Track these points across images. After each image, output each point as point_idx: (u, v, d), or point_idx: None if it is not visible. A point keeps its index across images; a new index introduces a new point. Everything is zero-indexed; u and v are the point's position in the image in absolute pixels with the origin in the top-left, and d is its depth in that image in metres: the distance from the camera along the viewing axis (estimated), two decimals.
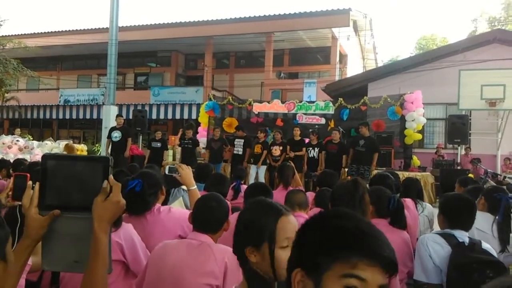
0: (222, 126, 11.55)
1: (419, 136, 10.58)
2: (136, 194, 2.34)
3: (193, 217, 2.05)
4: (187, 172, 2.78)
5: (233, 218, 2.67)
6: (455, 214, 2.28)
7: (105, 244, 0.98)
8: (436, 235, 2.26)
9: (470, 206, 2.31)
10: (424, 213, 3.74)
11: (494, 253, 2.18)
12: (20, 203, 1.84)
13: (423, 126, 10.74)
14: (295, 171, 4.52)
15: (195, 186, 2.79)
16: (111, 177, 0.99)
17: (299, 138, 9.23)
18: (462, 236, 2.20)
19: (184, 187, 3.05)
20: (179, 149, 10.23)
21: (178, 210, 2.63)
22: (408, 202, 3.59)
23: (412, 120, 10.17)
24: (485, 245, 2.17)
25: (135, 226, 2.17)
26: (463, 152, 11.21)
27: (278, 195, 3.51)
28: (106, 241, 0.98)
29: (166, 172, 2.89)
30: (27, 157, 8.72)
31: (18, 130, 13.34)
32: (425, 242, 2.24)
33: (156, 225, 2.39)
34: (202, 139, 11.13)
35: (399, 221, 2.54)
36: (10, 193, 2.05)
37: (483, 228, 2.63)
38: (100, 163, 0.99)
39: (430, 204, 5.69)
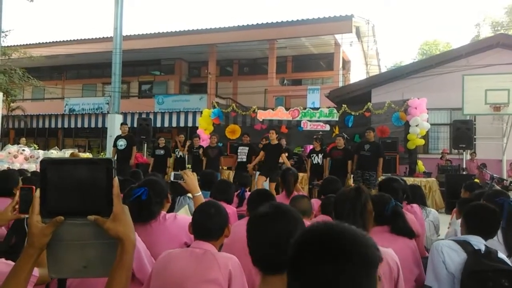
0: (225, 133, 11.55)
1: (422, 142, 10.52)
2: (142, 202, 2.32)
3: (193, 226, 2.04)
4: (192, 178, 2.78)
5: (238, 225, 2.67)
6: (478, 224, 2.25)
7: (131, 255, 0.97)
8: (452, 242, 2.22)
9: (494, 215, 2.28)
10: (429, 219, 3.73)
11: (510, 263, 2.15)
12: (27, 215, 1.85)
13: (427, 132, 10.70)
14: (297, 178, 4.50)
15: (200, 193, 2.79)
16: (115, 180, 0.95)
17: (276, 142, 8.22)
18: (479, 243, 2.16)
19: (189, 194, 3.05)
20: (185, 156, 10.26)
21: (184, 217, 2.62)
22: (415, 208, 3.57)
23: (416, 125, 10.15)
24: (501, 254, 2.13)
25: (140, 234, 2.16)
26: (468, 157, 11.15)
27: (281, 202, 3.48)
28: (133, 251, 0.97)
29: (172, 178, 2.88)
30: (33, 166, 8.78)
31: (23, 140, 13.40)
32: (439, 248, 2.19)
33: (162, 233, 2.38)
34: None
35: (399, 228, 2.39)
36: (17, 206, 2.07)
37: None
38: (103, 165, 0.95)
39: (437, 210, 5.68)
